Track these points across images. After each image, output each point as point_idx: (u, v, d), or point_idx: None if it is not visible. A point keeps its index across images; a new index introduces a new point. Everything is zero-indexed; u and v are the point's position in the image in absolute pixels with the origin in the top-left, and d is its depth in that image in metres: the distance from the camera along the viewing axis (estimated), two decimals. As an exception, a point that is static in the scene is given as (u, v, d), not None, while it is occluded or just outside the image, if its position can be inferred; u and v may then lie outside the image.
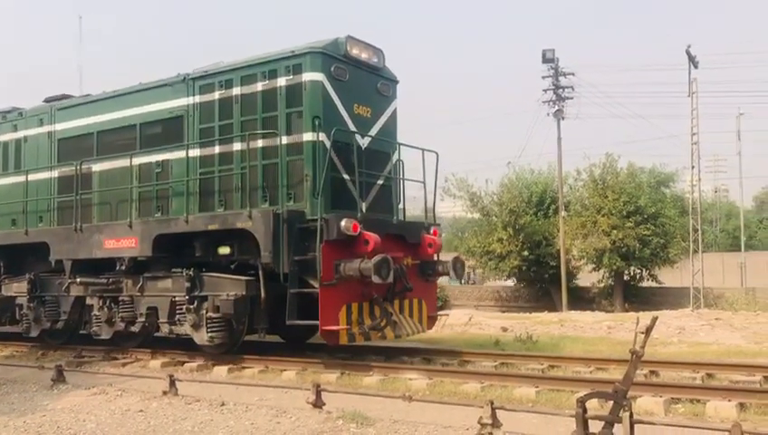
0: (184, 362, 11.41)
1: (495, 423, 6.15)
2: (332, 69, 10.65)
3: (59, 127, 13.55)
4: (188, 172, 11.53)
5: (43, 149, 13.74)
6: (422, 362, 10.87)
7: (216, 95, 11.37)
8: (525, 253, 32.28)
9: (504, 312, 25.96)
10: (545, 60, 33.20)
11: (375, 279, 9.66)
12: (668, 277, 33.10)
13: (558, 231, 31.87)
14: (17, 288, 13.33)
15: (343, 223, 9.83)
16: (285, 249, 9.97)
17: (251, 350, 11.55)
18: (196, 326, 10.88)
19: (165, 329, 11.43)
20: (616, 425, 5.44)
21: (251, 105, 11.00)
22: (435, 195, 12.42)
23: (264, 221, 10.03)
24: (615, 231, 29.33)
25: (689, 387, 8.17)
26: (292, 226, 10.05)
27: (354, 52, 11.02)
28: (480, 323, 18.03)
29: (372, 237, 9.98)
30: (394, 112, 11.91)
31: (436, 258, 11.67)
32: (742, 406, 7.30)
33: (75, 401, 8.41)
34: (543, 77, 33.93)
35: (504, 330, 16.17)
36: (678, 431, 6.18)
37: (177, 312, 11.16)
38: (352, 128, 10.92)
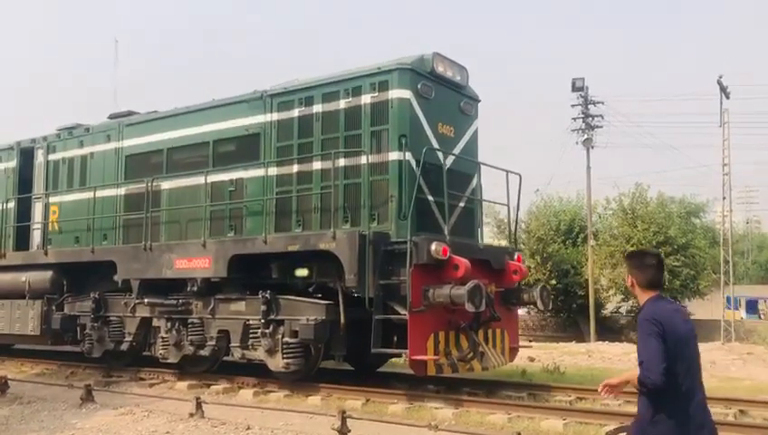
0: (210, 385, 11.24)
1: None
2: (419, 86, 10.27)
3: (127, 143, 13.32)
4: (265, 191, 11.17)
5: (109, 165, 13.51)
6: (448, 390, 10.46)
7: (296, 112, 11.03)
8: (553, 281, 31.63)
9: (530, 341, 25.27)
10: (575, 89, 32.91)
11: (468, 307, 9.14)
12: (699, 310, 32.51)
13: (586, 260, 31.20)
14: (80, 307, 13.03)
15: (433, 246, 9.36)
16: (371, 272, 9.51)
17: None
18: (270, 351, 10.44)
19: (237, 354, 11.01)
20: None
21: (333, 123, 10.63)
22: (516, 219, 11.93)
23: (349, 243, 9.59)
24: (645, 262, 28.58)
25: (721, 423, 7.67)
26: (378, 248, 9.60)
27: (440, 69, 10.64)
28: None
29: (463, 262, 9.49)
30: (476, 133, 11.49)
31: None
32: None
33: (103, 421, 8.46)
34: (573, 105, 33.80)
35: (531, 360, 15.59)
36: None
37: (251, 336, 10.73)
38: (436, 147, 10.49)
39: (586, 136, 32.94)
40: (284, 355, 10.31)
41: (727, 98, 30.19)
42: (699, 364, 4.29)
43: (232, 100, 11.91)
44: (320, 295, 10.62)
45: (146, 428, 8.07)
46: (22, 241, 14.77)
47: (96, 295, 12.66)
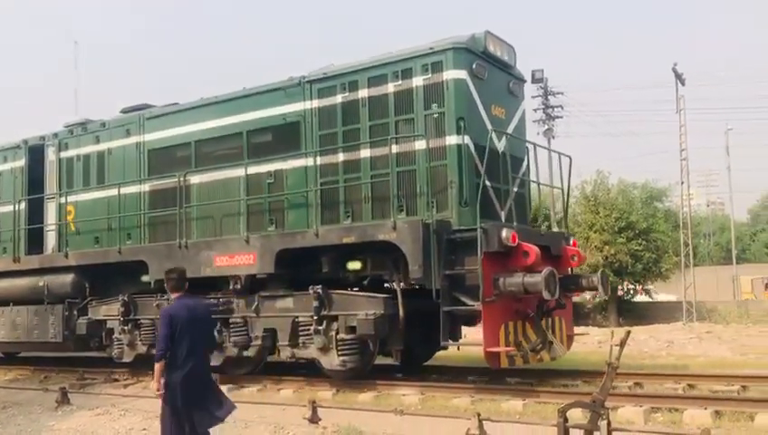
0: None
1: (482, 434, 6.49)
2: (474, 66, 9.83)
3: (149, 137, 12.66)
4: (307, 182, 10.65)
5: (130, 161, 12.84)
6: (415, 378, 10.48)
7: (339, 99, 10.51)
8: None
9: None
10: (534, 80, 32.99)
11: (545, 295, 8.75)
12: (663, 291, 32.62)
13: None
14: (107, 311, 12.39)
15: (504, 233, 8.96)
16: (436, 263, 9.06)
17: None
18: (324, 349, 9.96)
19: (286, 353, 10.48)
20: (595, 433, 5.83)
21: (381, 108, 10.14)
22: (567, 203, 11.58)
23: (411, 232, 9.13)
24: (607, 247, 28.78)
25: (668, 397, 8.45)
26: (441, 237, 9.16)
27: (491, 48, 10.21)
28: (476, 340, 17.15)
29: (533, 249, 9.11)
30: (523, 114, 11.10)
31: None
32: (717, 414, 7.58)
33: (80, 422, 8.63)
34: (533, 96, 33.96)
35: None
36: None
37: (301, 334, 10.23)
38: (491, 129, 10.05)
39: (547, 126, 33.29)
40: (340, 352, 9.84)
41: (683, 84, 30.66)
42: (203, 341, 6.37)
43: (266, 87, 11.33)
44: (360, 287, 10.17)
45: (123, 426, 8.21)
46: (34, 244, 14.03)
47: (125, 298, 12.03)
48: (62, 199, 13.68)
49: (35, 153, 14.32)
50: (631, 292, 32.18)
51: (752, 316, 26.30)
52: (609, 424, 5.82)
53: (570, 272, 10.85)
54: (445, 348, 11.84)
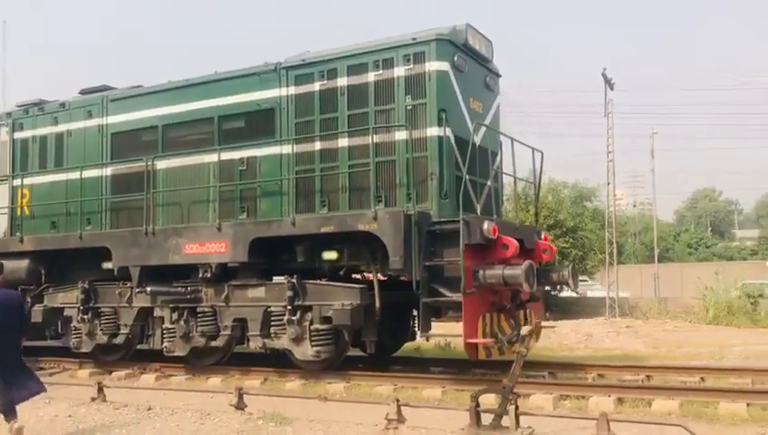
0: (112, 371, 11.49)
1: (400, 419, 6.80)
2: (455, 59, 9.83)
3: (112, 120, 12.23)
4: (281, 170, 10.48)
5: (91, 144, 12.39)
6: (341, 368, 10.62)
7: (317, 86, 10.37)
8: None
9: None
10: None
11: (525, 287, 8.84)
12: (600, 287, 33.64)
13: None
14: (65, 298, 11.94)
15: (485, 226, 9.00)
16: (417, 254, 9.05)
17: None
18: (297, 340, 9.84)
19: (255, 343, 10.31)
20: (504, 417, 6.32)
21: (361, 97, 10.05)
22: (538, 197, 11.73)
23: (393, 223, 9.08)
24: (536, 244, 29.59)
25: (577, 385, 9.07)
26: (421, 228, 9.14)
27: (471, 41, 10.23)
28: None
29: (512, 242, 9.19)
30: (498, 108, 11.16)
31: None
32: (620, 400, 8.17)
33: None
34: None
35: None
36: (558, 421, 6.97)
37: (274, 324, 10.08)
38: (469, 123, 10.10)
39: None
40: (314, 343, 9.74)
41: (611, 89, 31.58)
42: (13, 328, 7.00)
43: (240, 73, 11.09)
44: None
45: (48, 413, 8.18)
46: None
47: (85, 285, 11.62)
48: (16, 182, 13.11)
49: None
50: (558, 287, 32.99)
51: (670, 312, 27.13)
52: (516, 408, 6.34)
53: (539, 265, 11.01)
54: (413, 339, 12.02)
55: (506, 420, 6.31)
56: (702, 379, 9.55)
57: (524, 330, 7.08)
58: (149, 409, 8.17)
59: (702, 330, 19.81)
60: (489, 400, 6.81)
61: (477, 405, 6.48)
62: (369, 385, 9.53)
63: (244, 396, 7.95)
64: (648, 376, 9.76)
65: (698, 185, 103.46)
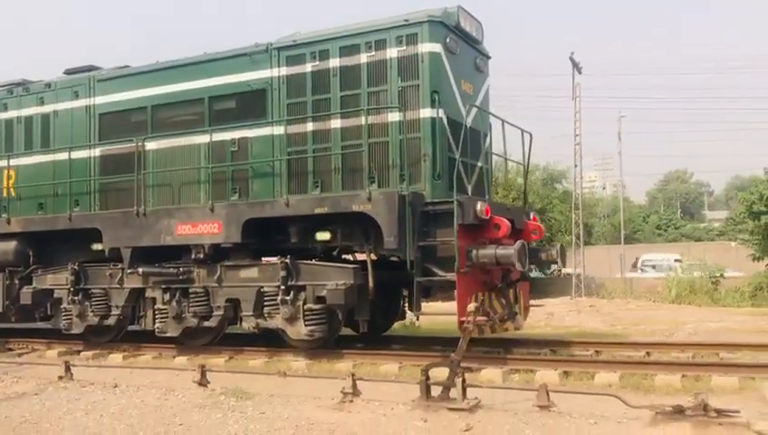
0: (80, 352, 11.64)
1: (356, 392, 7.06)
2: (447, 40, 9.89)
3: (100, 100, 12.13)
4: (273, 151, 10.51)
5: (79, 124, 12.28)
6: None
7: (308, 67, 10.38)
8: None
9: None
10: None
11: (518, 266, 9.01)
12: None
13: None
14: (55, 280, 11.90)
15: (478, 206, 9.12)
16: (411, 234, 9.16)
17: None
18: (291, 319, 9.94)
19: (249, 323, 10.36)
20: (452, 389, 6.62)
21: (353, 78, 10.08)
22: (527, 178, 11.89)
23: (387, 204, 9.17)
24: (505, 225, 29.97)
25: (526, 359, 9.40)
26: (415, 209, 9.25)
27: (462, 23, 10.29)
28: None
29: (504, 222, 9.33)
30: (488, 91, 11.26)
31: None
32: (566, 374, 8.49)
33: None
34: None
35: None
36: (505, 393, 7.14)
37: (267, 304, 10.16)
38: (461, 105, 10.19)
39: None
40: (307, 322, 9.84)
41: (579, 73, 31.91)
42: None
43: (230, 53, 11.05)
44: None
45: (15, 392, 8.34)
46: None
47: (75, 266, 11.59)
48: (1, 163, 12.95)
49: None
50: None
51: (634, 292, 27.77)
52: (463, 381, 6.67)
53: (536, 245, 11.20)
54: (403, 318, 12.17)
55: (454, 392, 6.63)
56: (647, 353, 9.89)
57: (470, 307, 7.39)
58: (116, 386, 8.37)
59: (663, 309, 20.40)
60: (443, 374, 6.98)
61: (427, 378, 6.77)
62: (329, 362, 9.82)
63: (209, 373, 8.22)
64: (597, 351, 10.10)
65: (671, 167, 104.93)
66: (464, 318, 8.91)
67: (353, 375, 7.29)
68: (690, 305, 22.05)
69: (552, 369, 8.67)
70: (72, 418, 6.97)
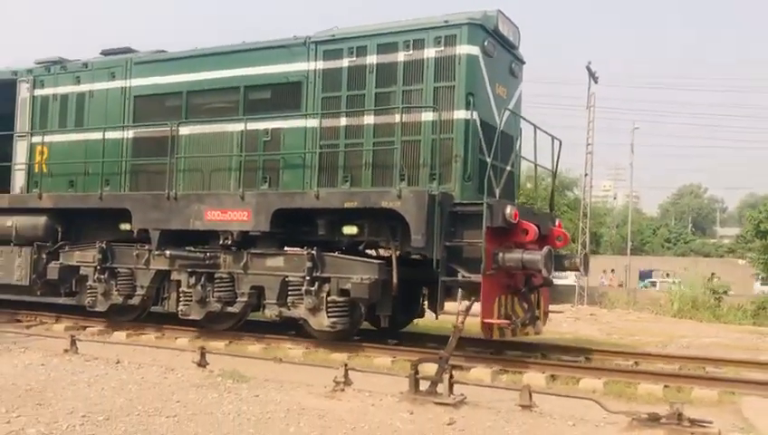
0: (86, 327, 12.11)
1: (347, 382, 7.36)
2: (485, 43, 9.96)
3: (136, 83, 12.30)
4: (306, 143, 10.63)
5: (113, 106, 12.46)
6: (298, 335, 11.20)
7: (345, 62, 10.48)
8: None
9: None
10: None
11: (543, 272, 9.09)
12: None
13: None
14: (81, 257, 12.10)
15: (508, 210, 9.20)
16: (438, 233, 9.26)
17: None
18: (314, 310, 10.06)
19: (272, 311, 10.50)
20: (439, 384, 6.95)
21: (389, 76, 10.17)
22: (554, 185, 11.97)
23: (417, 202, 9.28)
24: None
25: (516, 361, 9.67)
26: (444, 209, 9.35)
27: (500, 27, 10.36)
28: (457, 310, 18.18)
29: (532, 228, 9.40)
30: (520, 95, 11.32)
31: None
32: (553, 377, 8.82)
33: None
34: None
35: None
36: (492, 392, 7.47)
37: (291, 293, 10.29)
38: (494, 108, 10.27)
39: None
40: (330, 314, 9.97)
41: (596, 82, 31.91)
42: None
43: (269, 44, 11.18)
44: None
45: (22, 361, 8.63)
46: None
47: (102, 245, 11.77)
48: (35, 139, 13.18)
49: (5, 88, 13.68)
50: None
51: (638, 303, 27.79)
52: (451, 377, 6.99)
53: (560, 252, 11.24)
54: (421, 316, 12.26)
55: (441, 388, 6.94)
56: (636, 363, 10.11)
57: (462, 305, 7.78)
58: (118, 362, 8.67)
59: (663, 321, 20.44)
60: (432, 369, 7.24)
61: (417, 372, 7.06)
62: (325, 352, 10.15)
63: (210, 356, 8.61)
64: (587, 358, 10.30)
65: (687, 181, 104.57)
66: (487, 320, 9.08)
67: (346, 365, 7.60)
68: (691, 320, 22.05)
69: (539, 372, 8.92)
70: (75, 389, 7.22)
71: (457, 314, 7.50)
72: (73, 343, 9.39)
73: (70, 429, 5.75)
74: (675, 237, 70.63)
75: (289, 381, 7.82)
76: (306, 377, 8.10)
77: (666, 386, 8.30)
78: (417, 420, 6.39)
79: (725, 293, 25.90)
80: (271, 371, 8.57)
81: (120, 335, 11.38)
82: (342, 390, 7.28)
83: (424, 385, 7.02)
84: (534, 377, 8.63)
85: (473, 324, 10.33)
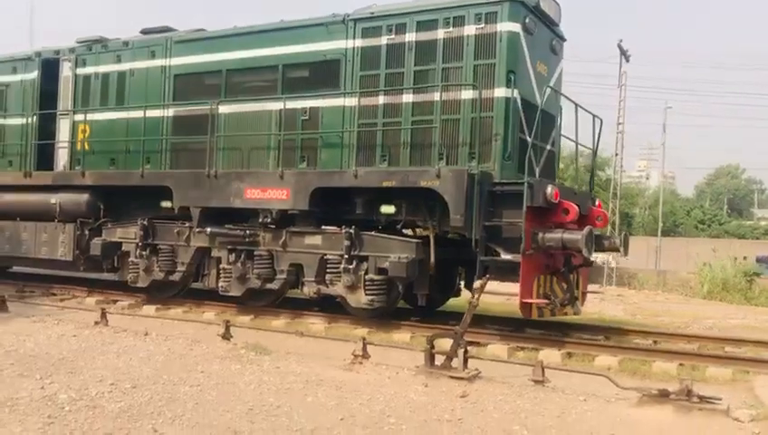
0: (116, 301, 12.47)
1: (365, 355, 7.57)
2: (527, 21, 9.82)
3: (176, 62, 12.40)
4: (344, 122, 10.63)
5: (153, 84, 12.59)
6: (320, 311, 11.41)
7: (384, 40, 10.42)
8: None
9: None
10: None
11: (584, 252, 9.02)
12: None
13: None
14: (124, 233, 12.32)
15: (549, 189, 9.13)
16: (477, 213, 9.22)
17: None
18: (352, 288, 10.13)
19: (310, 289, 10.60)
20: (454, 359, 7.10)
21: (428, 54, 10.10)
22: (594, 164, 11.81)
23: (456, 181, 9.25)
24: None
25: (533, 338, 9.76)
26: (483, 188, 9.30)
27: (542, 4, 10.19)
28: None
29: (573, 207, 9.33)
30: (561, 73, 11.16)
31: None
32: (570, 355, 8.87)
33: (17, 327, 9.25)
34: None
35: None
36: (506, 367, 7.65)
37: (329, 271, 10.37)
38: (535, 86, 10.15)
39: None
40: (368, 292, 10.02)
41: (627, 61, 31.15)
42: None
43: (307, 22, 11.17)
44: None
45: (55, 332, 8.98)
46: (44, 161, 13.77)
47: (144, 222, 11.96)
48: (77, 117, 13.40)
49: (49, 67, 13.91)
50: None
51: (667, 285, 27.49)
52: (465, 352, 7.17)
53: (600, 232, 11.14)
54: (458, 295, 12.26)
55: (456, 362, 7.10)
56: (654, 342, 10.10)
57: (477, 283, 7.77)
58: (146, 334, 8.95)
59: (691, 303, 20.18)
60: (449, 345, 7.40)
61: (432, 347, 7.26)
62: (347, 327, 10.41)
63: (235, 329, 8.92)
64: (606, 337, 10.26)
65: (724, 162, 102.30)
66: (526, 300, 9.05)
67: (364, 339, 7.86)
68: (721, 302, 21.67)
69: (556, 349, 8.99)
70: (105, 359, 7.48)
71: (473, 292, 7.65)
72: (104, 315, 9.72)
73: (98, 395, 5.98)
74: (709, 219, 69.28)
75: (310, 354, 8.08)
76: (327, 350, 8.37)
77: (680, 364, 8.35)
78: (431, 393, 6.55)
79: (757, 275, 25.39)
80: (293, 344, 8.88)
81: (150, 309, 11.62)
82: (361, 363, 7.49)
83: (440, 360, 7.18)
84: (550, 354, 8.70)
85: (501, 304, 10.32)
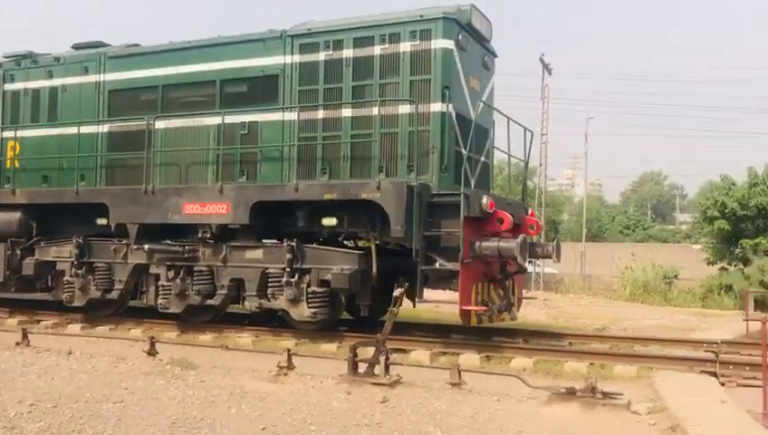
0: (40, 321, 12.28)
1: (290, 366, 7.74)
2: (460, 37, 10.17)
3: (110, 77, 12.27)
4: (283, 136, 10.75)
5: (87, 100, 12.41)
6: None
7: (322, 56, 10.61)
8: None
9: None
10: None
11: (519, 260, 9.36)
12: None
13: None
14: (58, 252, 12.06)
15: (484, 200, 9.46)
16: (417, 224, 9.47)
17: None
18: (294, 301, 10.20)
19: (251, 303, 10.63)
20: (376, 366, 7.39)
21: (366, 69, 10.33)
22: (526, 175, 12.24)
23: (395, 193, 9.47)
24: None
25: (453, 343, 10.15)
26: (422, 200, 9.56)
27: (474, 21, 10.57)
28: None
29: (507, 217, 9.67)
30: (493, 88, 11.56)
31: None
32: (488, 358, 9.29)
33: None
34: None
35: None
36: (427, 371, 7.99)
37: (271, 285, 10.42)
38: (469, 101, 10.51)
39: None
40: (310, 305, 10.12)
41: (549, 74, 32.57)
42: None
43: (245, 38, 11.26)
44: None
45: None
46: None
47: (79, 240, 11.75)
48: (6, 134, 13.08)
49: None
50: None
51: (592, 289, 28.49)
52: (387, 359, 7.49)
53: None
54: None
55: (378, 369, 7.40)
56: (570, 343, 10.63)
57: (397, 292, 8.04)
58: (70, 353, 8.89)
59: (614, 306, 21.11)
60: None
61: (355, 355, 7.54)
62: (273, 340, 10.52)
63: (162, 345, 9.02)
64: (524, 339, 10.82)
65: (648, 169, 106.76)
66: (465, 307, 9.33)
67: (289, 350, 8.05)
68: (642, 304, 22.67)
69: (476, 352, 9.41)
70: (25, 380, 7.40)
71: (393, 300, 7.93)
72: (25, 336, 9.61)
73: (17, 416, 5.93)
74: (633, 224, 71.88)
75: (236, 367, 8.20)
76: (253, 363, 8.46)
77: (591, 363, 8.81)
78: (353, 400, 6.80)
79: (676, 277, 26.57)
80: (220, 358, 8.96)
81: (75, 328, 11.48)
82: (286, 374, 7.65)
83: (363, 368, 7.46)
84: (470, 358, 9.09)
85: (430, 310, 10.51)
